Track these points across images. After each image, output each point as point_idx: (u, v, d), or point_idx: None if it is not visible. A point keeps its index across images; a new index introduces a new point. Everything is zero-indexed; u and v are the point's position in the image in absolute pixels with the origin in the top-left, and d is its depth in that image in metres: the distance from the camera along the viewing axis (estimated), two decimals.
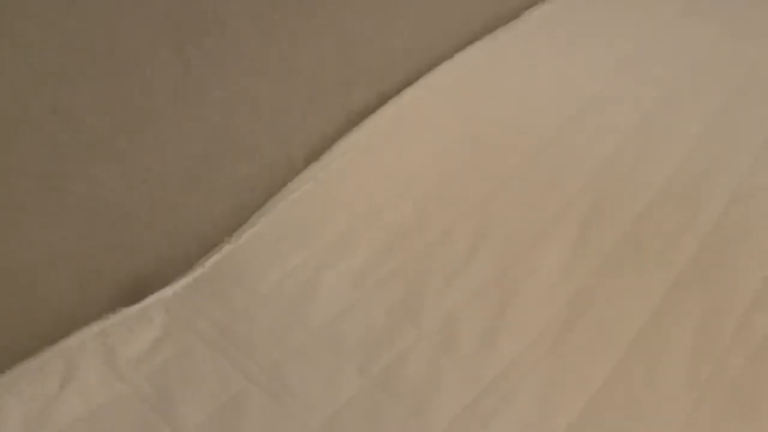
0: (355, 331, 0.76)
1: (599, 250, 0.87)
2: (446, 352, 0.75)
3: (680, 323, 0.79)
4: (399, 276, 0.83)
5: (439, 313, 0.79)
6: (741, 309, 0.81)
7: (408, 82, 1.06)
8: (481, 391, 0.71)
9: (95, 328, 0.74)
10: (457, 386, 0.71)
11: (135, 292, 0.79)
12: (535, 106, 1.07)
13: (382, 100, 1.02)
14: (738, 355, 0.75)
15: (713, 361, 0.75)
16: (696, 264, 0.86)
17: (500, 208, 0.92)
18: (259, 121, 0.84)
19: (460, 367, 0.73)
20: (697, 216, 0.92)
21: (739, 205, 0.94)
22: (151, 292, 0.78)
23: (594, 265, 0.85)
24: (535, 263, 0.85)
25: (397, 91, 1.05)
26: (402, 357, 0.74)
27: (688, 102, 1.10)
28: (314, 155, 0.95)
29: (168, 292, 0.79)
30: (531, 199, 0.94)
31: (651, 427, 0.69)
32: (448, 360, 0.74)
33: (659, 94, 1.11)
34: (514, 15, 1.22)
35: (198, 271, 0.82)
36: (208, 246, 0.84)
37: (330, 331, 0.76)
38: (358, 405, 0.69)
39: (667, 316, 0.80)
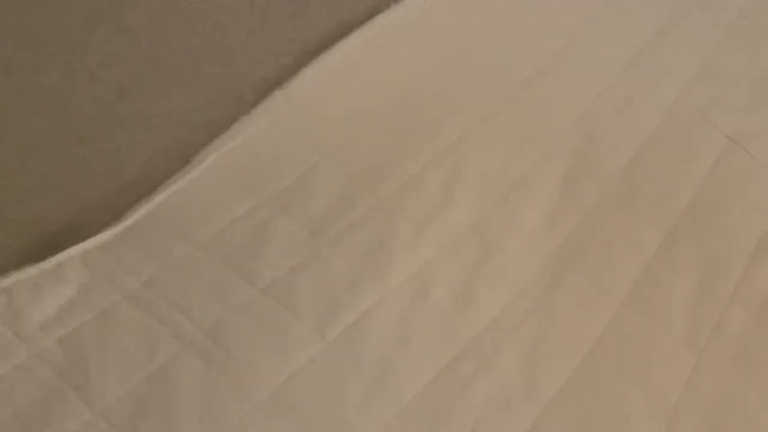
0: (311, 287, 0.66)
1: (588, 197, 0.80)
2: (417, 310, 0.66)
3: (677, 276, 0.73)
4: (363, 225, 0.73)
5: (408, 266, 0.69)
6: (742, 261, 0.75)
7: (373, 10, 0.94)
8: (457, 354, 0.63)
9: None
10: (429, 350, 0.63)
11: (48, 245, 0.66)
12: (517, 38, 0.98)
13: (343, 27, 0.90)
14: (740, 310, 0.70)
15: (714, 318, 0.69)
16: (692, 212, 0.80)
17: (478, 149, 0.83)
18: (196, 41, 0.71)
19: (432, 327, 0.65)
20: (692, 161, 0.86)
21: (736, 148, 0.88)
22: (69, 246, 0.66)
23: (582, 213, 0.78)
24: (518, 210, 0.77)
25: (360, 18, 0.93)
26: (365, 317, 0.64)
27: (681, 39, 1.03)
28: (265, 88, 0.82)
29: (89, 244, 0.67)
30: (512, 139, 0.85)
31: (648, 390, 0.62)
32: (419, 320, 0.65)
33: (650, 30, 1.04)
34: None
35: (126, 221, 0.70)
36: (139, 191, 0.72)
37: (281, 287, 0.66)
38: (313, 374, 0.59)
39: (662, 269, 0.74)
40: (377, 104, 0.87)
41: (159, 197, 0.73)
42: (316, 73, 0.87)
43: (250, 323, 0.63)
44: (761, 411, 0.61)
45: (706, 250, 0.75)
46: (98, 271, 0.66)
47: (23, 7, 0.56)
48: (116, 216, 0.70)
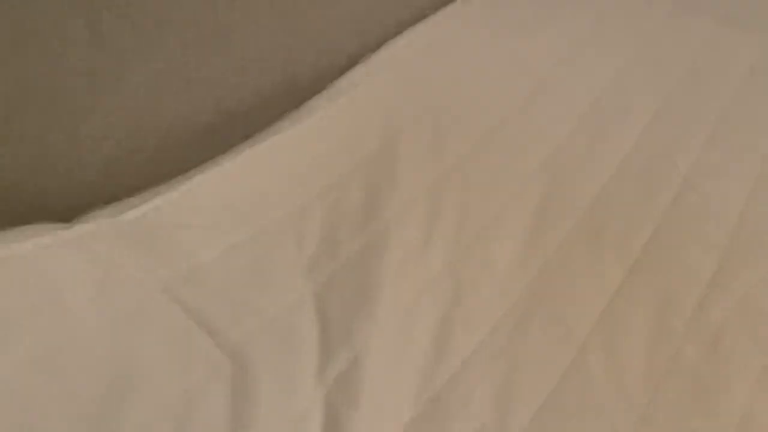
0: (312, 328, 0.69)
1: (554, 237, 0.85)
2: (402, 351, 0.70)
3: (637, 312, 0.78)
4: (352, 265, 0.77)
5: (394, 308, 0.73)
6: (695, 296, 0.80)
7: (353, 59, 0.99)
8: (438, 392, 0.67)
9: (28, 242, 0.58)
10: (413, 388, 0.67)
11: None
12: (486, 88, 1.02)
13: (326, 74, 0.95)
14: (694, 345, 0.75)
15: (669, 352, 0.74)
16: (651, 249, 0.85)
17: (454, 191, 0.87)
18: (189, 97, 0.75)
19: (415, 368, 0.69)
20: (653, 199, 0.91)
21: (694, 187, 0.93)
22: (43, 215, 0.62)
23: (549, 253, 0.83)
24: (489, 251, 0.82)
25: (341, 66, 0.97)
26: (359, 358, 0.68)
27: (642, 82, 1.08)
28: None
29: (91, 226, 0.64)
30: (485, 181, 0.89)
31: (610, 420, 0.67)
32: (405, 361, 0.69)
33: (612, 73, 1.09)
34: None
35: (126, 214, 0.67)
36: None
37: (283, 325, 0.68)
38: (317, 414, 0.63)
39: (623, 306, 0.78)
40: (362, 146, 0.89)
41: (150, 202, 0.69)
42: (299, 115, 0.89)
43: (261, 355, 0.65)
44: None
45: (663, 287, 0.80)
46: (111, 259, 0.63)
47: (27, 71, 0.60)
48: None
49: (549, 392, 0.68)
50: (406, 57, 1.03)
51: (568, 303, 0.78)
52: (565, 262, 0.82)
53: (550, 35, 1.14)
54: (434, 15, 1.12)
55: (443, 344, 0.71)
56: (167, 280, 0.66)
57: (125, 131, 0.70)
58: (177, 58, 0.72)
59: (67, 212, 0.67)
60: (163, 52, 0.70)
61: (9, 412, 0.53)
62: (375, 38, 1.00)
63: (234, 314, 0.66)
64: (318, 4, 0.88)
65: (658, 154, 0.97)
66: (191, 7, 0.71)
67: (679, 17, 1.21)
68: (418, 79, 1.01)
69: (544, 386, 0.69)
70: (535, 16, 1.18)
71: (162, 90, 0.71)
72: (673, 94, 1.07)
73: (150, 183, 0.70)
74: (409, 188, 0.86)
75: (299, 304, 0.71)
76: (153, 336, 0.62)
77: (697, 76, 1.11)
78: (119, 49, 0.64)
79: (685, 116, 1.04)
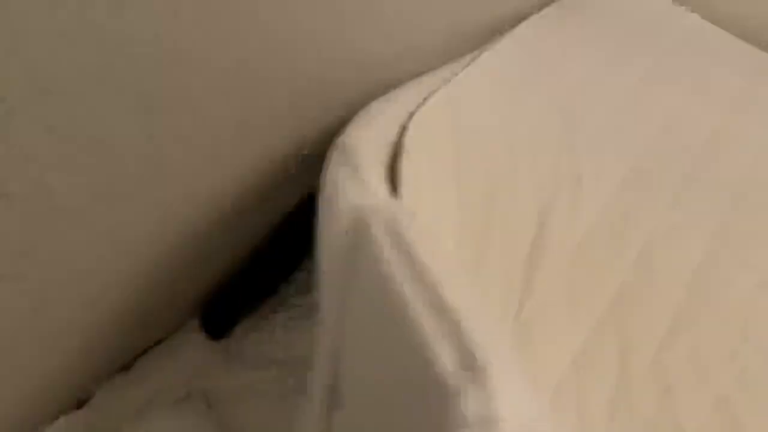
0: None
1: (539, 284, 0.94)
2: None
3: (602, 362, 0.89)
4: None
5: None
6: (653, 348, 0.91)
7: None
8: None
9: None
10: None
11: None
12: (476, 158, 1.08)
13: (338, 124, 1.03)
14: (649, 394, 0.86)
15: (628, 401, 0.85)
16: (616, 302, 0.95)
17: (456, 236, 0.93)
18: (218, 176, 0.88)
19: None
20: (620, 257, 1.02)
21: (656, 244, 1.04)
22: None
23: (533, 299, 0.92)
24: (488, 290, 0.90)
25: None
26: None
27: (614, 146, 1.17)
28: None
29: None
30: (487, 233, 0.96)
31: None
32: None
33: (586, 139, 1.16)
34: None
35: None
36: None
37: None
38: None
39: (591, 354, 0.89)
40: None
41: None
42: None
43: None
44: None
45: (624, 337, 0.91)
46: None
47: (95, 171, 0.72)
48: None
49: None
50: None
51: (545, 349, 0.88)
52: (543, 308, 0.91)
53: (533, 102, 1.23)
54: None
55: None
56: None
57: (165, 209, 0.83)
58: (207, 149, 0.84)
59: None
60: (198, 146, 0.83)
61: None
62: None
63: None
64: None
65: (626, 214, 1.07)
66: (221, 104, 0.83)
67: (649, 84, 1.31)
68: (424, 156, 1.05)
69: None
70: (526, 82, 1.26)
71: (195, 178, 0.84)
72: (643, 157, 1.16)
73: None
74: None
75: None
76: None
77: (665, 141, 1.21)
78: (168, 154, 0.78)
79: (652, 179, 1.14)
